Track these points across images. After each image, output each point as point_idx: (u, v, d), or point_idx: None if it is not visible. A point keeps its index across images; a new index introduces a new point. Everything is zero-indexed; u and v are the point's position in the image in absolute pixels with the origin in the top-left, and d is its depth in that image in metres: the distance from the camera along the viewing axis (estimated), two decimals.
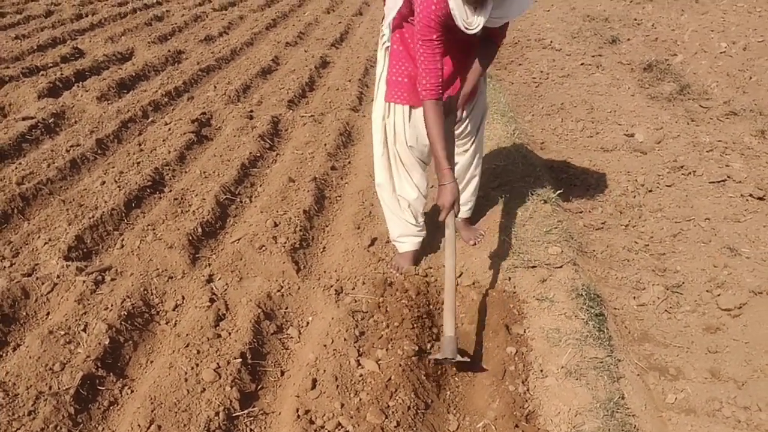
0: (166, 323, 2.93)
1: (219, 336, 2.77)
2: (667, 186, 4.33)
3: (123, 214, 3.75)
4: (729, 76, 6.21)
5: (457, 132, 3.08)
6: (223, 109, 5.57)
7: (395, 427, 2.28)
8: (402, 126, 2.99)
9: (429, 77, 2.62)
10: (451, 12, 2.45)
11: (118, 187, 4.01)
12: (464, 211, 3.50)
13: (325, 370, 2.55)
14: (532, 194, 3.89)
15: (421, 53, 2.60)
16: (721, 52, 6.88)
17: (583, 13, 9.41)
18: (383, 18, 2.93)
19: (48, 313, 2.93)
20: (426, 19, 2.51)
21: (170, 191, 4.13)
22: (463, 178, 3.33)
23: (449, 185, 2.68)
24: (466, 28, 2.50)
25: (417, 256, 3.43)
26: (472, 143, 3.25)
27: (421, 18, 2.52)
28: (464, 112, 2.99)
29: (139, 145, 4.74)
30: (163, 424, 2.29)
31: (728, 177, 4.30)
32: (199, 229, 3.57)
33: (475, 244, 3.54)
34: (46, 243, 3.37)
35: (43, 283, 3.05)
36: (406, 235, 3.34)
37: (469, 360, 2.64)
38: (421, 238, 3.38)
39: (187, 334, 2.75)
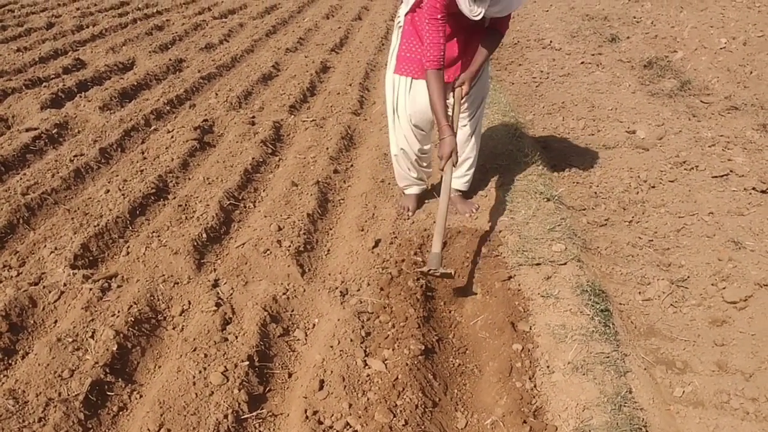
0: (173, 328, 2.94)
1: (226, 340, 2.78)
2: (669, 181, 4.33)
3: (128, 222, 3.76)
4: (729, 72, 6.21)
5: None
6: (225, 115, 5.59)
7: (403, 425, 2.29)
8: (404, 95, 3.51)
9: (432, 50, 3.11)
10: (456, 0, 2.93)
11: (123, 195, 4.02)
12: (461, 183, 3.88)
13: (332, 371, 2.56)
14: (535, 192, 3.90)
15: (427, 30, 3.10)
16: (721, 48, 6.88)
17: (582, 12, 9.43)
18: (400, 3, 3.51)
19: (55, 321, 2.95)
20: (434, 0, 3.02)
21: (174, 198, 4.15)
22: (461, 152, 3.67)
23: (448, 138, 3.17)
24: (471, 14, 2.94)
25: (420, 200, 3.94)
26: (470, 119, 3.64)
27: (430, 2, 3.03)
28: (469, 87, 3.40)
29: (142, 153, 4.76)
30: (173, 428, 2.30)
31: (731, 171, 4.30)
32: (204, 235, 3.59)
33: (470, 216, 3.79)
34: (52, 252, 3.38)
35: (50, 292, 3.06)
36: (409, 185, 3.89)
37: (452, 273, 3.06)
38: (423, 187, 3.94)
39: (194, 339, 2.76)
